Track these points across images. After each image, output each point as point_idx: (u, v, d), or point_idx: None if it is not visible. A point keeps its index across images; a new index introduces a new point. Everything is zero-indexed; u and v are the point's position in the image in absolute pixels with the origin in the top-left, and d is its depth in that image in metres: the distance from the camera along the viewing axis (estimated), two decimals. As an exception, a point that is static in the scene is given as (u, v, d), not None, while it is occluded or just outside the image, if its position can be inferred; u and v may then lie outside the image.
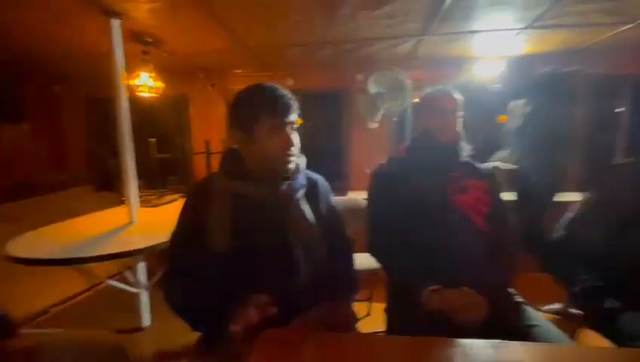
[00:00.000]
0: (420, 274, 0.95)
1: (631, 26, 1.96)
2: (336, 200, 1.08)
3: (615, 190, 1.06)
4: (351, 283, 1.03)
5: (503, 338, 0.83)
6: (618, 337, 0.97)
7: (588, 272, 1.17)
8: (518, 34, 2.10)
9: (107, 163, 3.29)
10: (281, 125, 0.84)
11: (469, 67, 2.78)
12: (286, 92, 0.86)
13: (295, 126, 0.88)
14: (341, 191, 3.13)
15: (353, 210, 2.24)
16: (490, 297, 0.90)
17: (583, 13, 1.78)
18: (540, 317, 0.93)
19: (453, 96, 1.12)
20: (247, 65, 3.03)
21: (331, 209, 1.02)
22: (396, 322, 1.00)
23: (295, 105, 0.86)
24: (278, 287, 0.84)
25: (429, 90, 1.22)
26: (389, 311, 1.08)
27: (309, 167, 1.02)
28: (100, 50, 2.10)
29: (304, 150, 0.96)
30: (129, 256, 1.67)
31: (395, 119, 2.99)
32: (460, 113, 1.12)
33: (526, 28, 1.99)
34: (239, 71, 3.25)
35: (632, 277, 0.98)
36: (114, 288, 1.94)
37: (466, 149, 1.15)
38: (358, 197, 2.05)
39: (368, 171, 1.24)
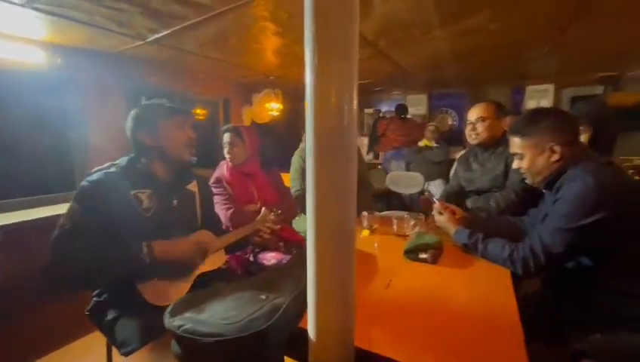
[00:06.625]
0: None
1: (141, 43, 2.23)
2: None
3: (96, 201, 1.07)
4: None
5: None
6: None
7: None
8: (23, 10, 1.69)
9: None
10: None
11: None
12: None
13: None
14: None
15: None
16: None
17: (90, 13, 1.73)
18: None
19: None
20: None
21: None
22: None
23: None
24: None
25: None
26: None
27: None
28: None
29: None
30: None
31: None
32: None
33: (24, 6, 1.62)
34: None
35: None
36: None
37: None
38: None
39: None
